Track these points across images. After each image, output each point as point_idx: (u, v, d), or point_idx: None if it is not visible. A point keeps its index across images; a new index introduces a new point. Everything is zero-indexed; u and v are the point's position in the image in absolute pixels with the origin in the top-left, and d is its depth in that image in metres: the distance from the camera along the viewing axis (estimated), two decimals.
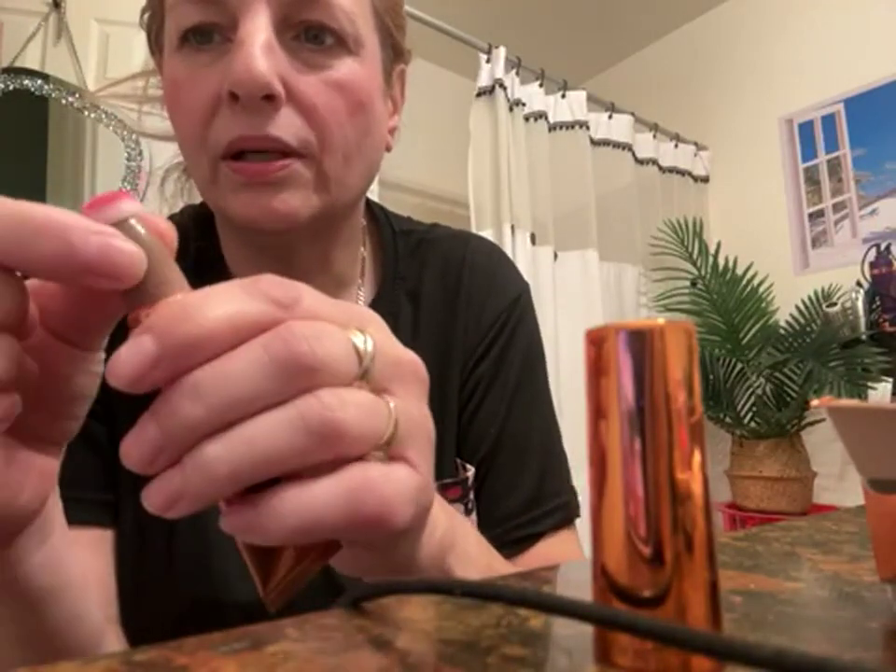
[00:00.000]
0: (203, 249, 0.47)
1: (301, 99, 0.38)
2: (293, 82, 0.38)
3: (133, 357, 0.18)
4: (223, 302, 0.19)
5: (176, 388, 0.18)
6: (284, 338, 0.19)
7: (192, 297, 0.19)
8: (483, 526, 0.48)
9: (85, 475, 0.41)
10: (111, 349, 0.19)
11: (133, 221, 0.20)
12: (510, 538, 0.48)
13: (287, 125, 0.37)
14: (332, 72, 0.39)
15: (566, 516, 0.50)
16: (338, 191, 0.41)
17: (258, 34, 0.36)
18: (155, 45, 0.44)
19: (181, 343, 0.18)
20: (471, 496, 0.49)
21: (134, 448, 0.18)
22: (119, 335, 0.20)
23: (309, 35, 0.38)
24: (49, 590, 0.28)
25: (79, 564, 0.31)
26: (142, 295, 0.19)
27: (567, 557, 0.47)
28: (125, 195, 0.20)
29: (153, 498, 0.18)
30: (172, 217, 0.50)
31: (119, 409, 0.42)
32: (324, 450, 0.19)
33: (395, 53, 0.47)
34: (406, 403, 0.22)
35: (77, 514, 0.39)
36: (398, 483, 0.20)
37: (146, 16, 0.44)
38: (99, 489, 0.42)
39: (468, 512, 0.48)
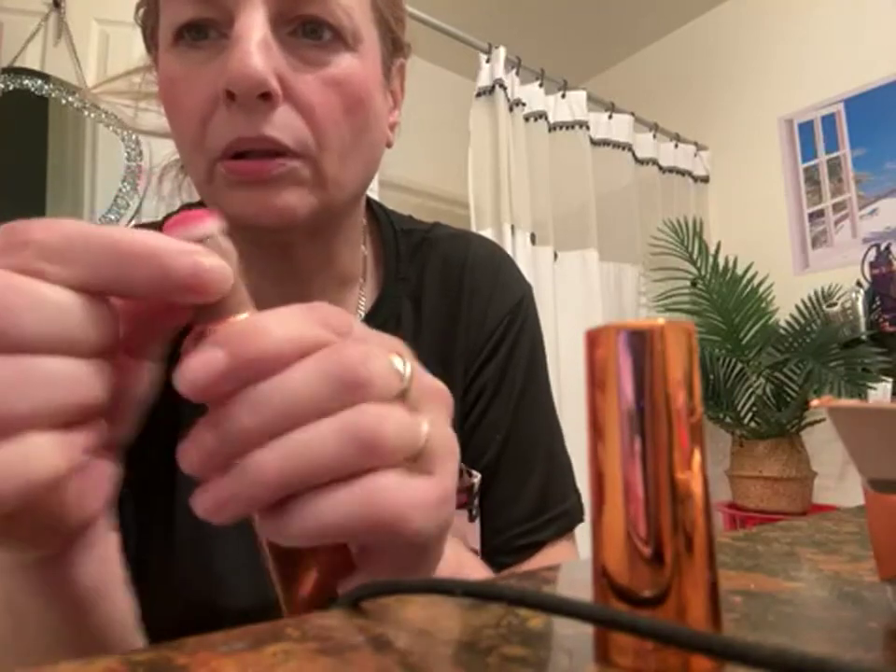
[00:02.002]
0: None
1: (298, 97, 0.37)
2: (290, 80, 0.37)
3: (204, 367, 0.19)
4: (288, 325, 0.20)
5: (237, 400, 0.20)
6: (338, 356, 0.20)
7: (260, 317, 0.21)
8: (487, 534, 0.48)
9: None
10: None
11: (218, 238, 0.21)
12: (513, 545, 0.47)
13: (284, 125, 0.37)
14: (330, 68, 0.38)
15: (568, 524, 0.50)
16: (336, 189, 0.40)
17: (254, 30, 0.35)
18: (150, 41, 0.44)
19: (250, 358, 0.19)
20: (476, 502, 0.48)
21: (191, 453, 0.20)
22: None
23: (306, 30, 0.38)
24: (106, 584, 0.28)
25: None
26: (212, 310, 0.21)
27: None
28: (209, 214, 0.21)
29: (204, 503, 0.20)
30: (170, 216, 0.50)
31: None
32: (365, 459, 0.20)
33: (394, 47, 0.46)
34: (436, 423, 0.23)
35: None
36: (414, 491, 0.21)
37: (140, 11, 0.43)
38: None
39: (471, 519, 0.48)
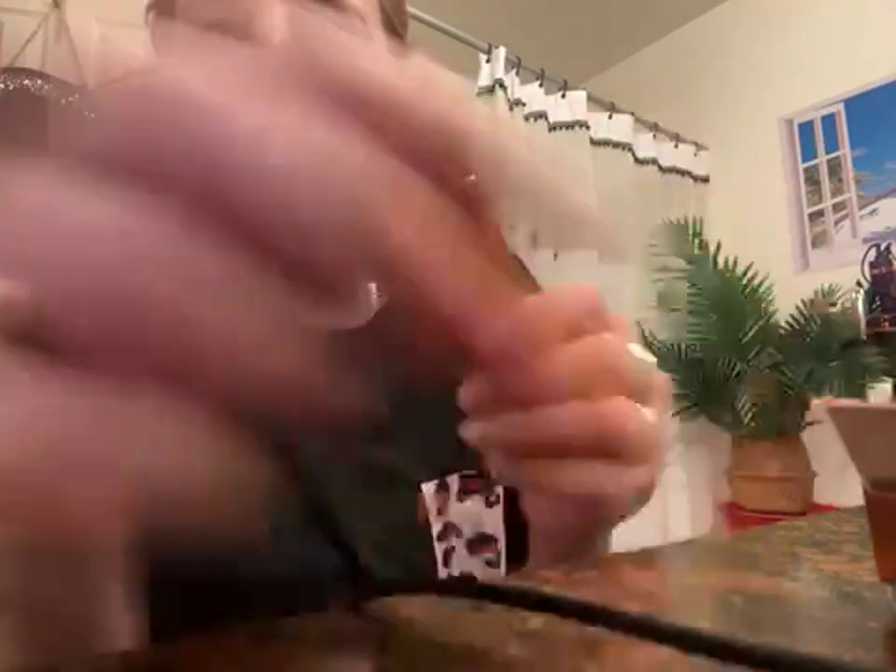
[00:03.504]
0: None
1: None
2: None
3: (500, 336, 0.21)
4: (563, 309, 0.23)
5: (516, 376, 0.22)
6: (602, 348, 0.23)
7: (547, 300, 0.23)
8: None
9: None
10: None
11: None
12: None
13: None
14: None
15: None
16: None
17: (277, 31, 0.37)
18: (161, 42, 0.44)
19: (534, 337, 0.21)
20: (497, 489, 0.49)
21: (469, 397, 0.24)
22: None
23: None
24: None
25: None
26: None
27: None
28: None
29: (473, 431, 0.24)
30: None
31: None
32: (604, 447, 0.23)
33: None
34: (660, 417, 0.25)
35: None
36: (628, 480, 0.24)
37: (151, 14, 0.44)
38: None
39: (489, 505, 0.48)
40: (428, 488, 0.47)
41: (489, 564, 0.48)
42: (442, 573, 0.46)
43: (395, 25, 0.45)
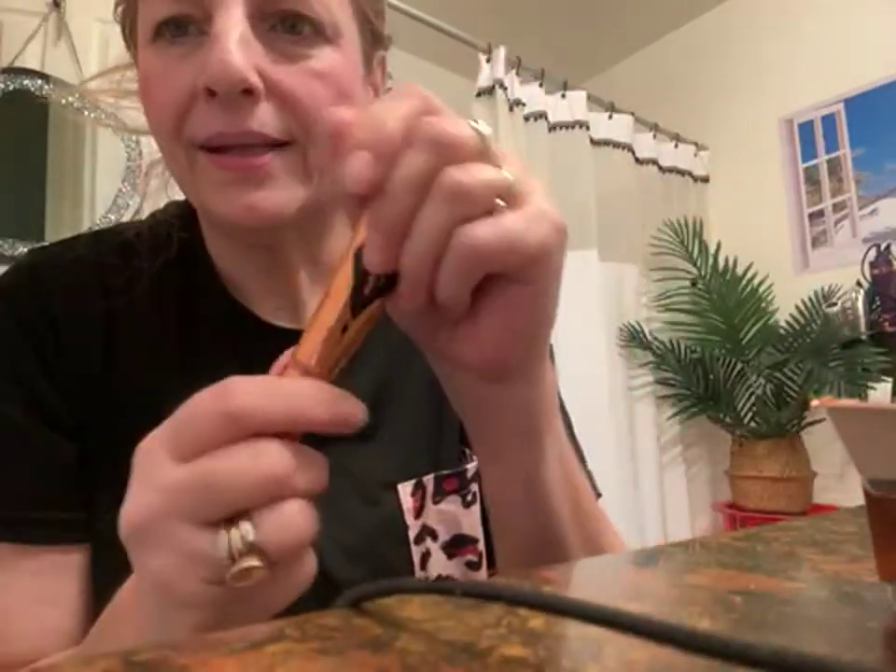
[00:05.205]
0: (187, 242, 0.47)
1: (280, 89, 0.37)
2: (271, 74, 0.37)
3: (358, 163, 0.24)
4: (391, 111, 0.25)
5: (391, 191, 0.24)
6: (431, 127, 0.24)
7: (373, 111, 0.25)
8: None
9: (55, 495, 0.40)
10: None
11: None
12: None
13: (267, 118, 0.37)
14: (312, 62, 0.38)
15: (596, 492, 0.48)
16: (322, 181, 0.40)
17: (233, 27, 0.35)
18: (129, 38, 0.43)
19: (384, 143, 0.24)
20: (473, 487, 0.48)
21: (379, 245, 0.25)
22: None
23: (286, 25, 0.38)
24: None
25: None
26: None
27: (612, 526, 0.45)
28: None
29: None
30: (155, 213, 0.49)
31: (92, 425, 0.42)
32: (460, 209, 0.25)
33: (374, 40, 0.46)
34: (517, 169, 0.27)
35: (48, 534, 0.39)
36: (500, 222, 0.25)
37: (119, 9, 0.43)
38: (70, 508, 0.41)
39: (466, 504, 0.48)
40: (405, 489, 0.46)
41: (470, 566, 0.47)
42: (419, 577, 0.44)
43: (368, 15, 0.44)
